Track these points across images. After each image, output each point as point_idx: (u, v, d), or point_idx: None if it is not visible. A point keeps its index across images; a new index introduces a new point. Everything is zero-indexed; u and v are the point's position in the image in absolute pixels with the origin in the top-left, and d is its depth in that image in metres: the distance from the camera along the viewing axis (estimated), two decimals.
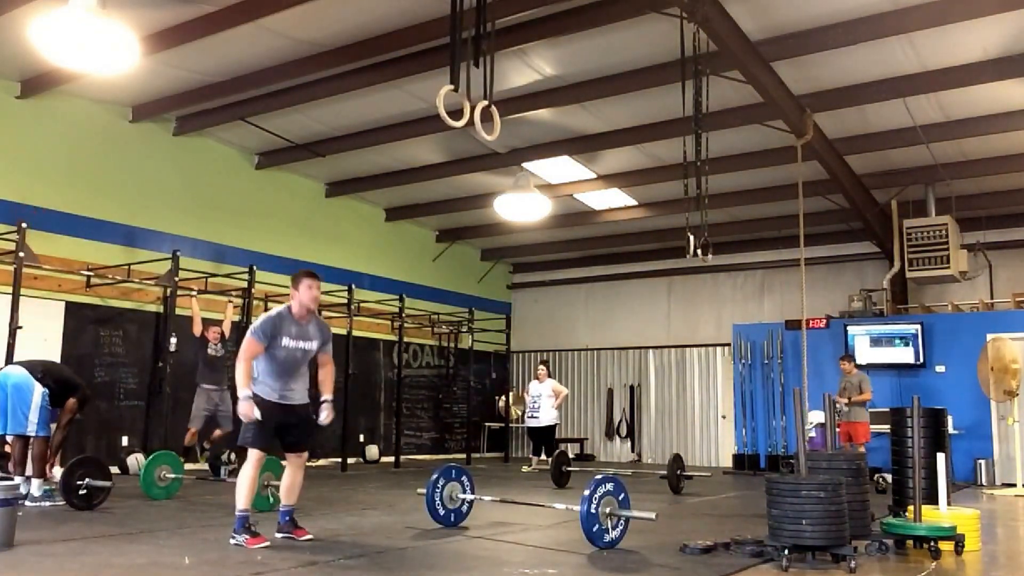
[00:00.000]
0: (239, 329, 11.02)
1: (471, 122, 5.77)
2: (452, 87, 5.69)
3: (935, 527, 4.96)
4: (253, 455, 5.04)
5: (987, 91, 8.98)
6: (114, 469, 9.39)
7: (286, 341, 5.08)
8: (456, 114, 5.76)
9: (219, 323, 10.03)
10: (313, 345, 5.22)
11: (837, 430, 10.50)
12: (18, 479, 6.60)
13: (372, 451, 13.35)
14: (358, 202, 13.77)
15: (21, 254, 8.48)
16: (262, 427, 5.01)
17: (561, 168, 11.96)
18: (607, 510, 4.98)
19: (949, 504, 5.43)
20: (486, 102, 5.89)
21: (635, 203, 13.31)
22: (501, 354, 16.27)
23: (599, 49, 8.48)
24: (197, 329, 9.85)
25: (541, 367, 12.75)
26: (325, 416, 5.25)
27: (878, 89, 9.04)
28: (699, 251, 8.33)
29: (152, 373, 10.47)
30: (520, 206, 12.18)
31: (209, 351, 9.66)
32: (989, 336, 10.73)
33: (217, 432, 9.54)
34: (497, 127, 6.03)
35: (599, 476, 5.12)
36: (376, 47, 8.45)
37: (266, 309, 11.80)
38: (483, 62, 5.93)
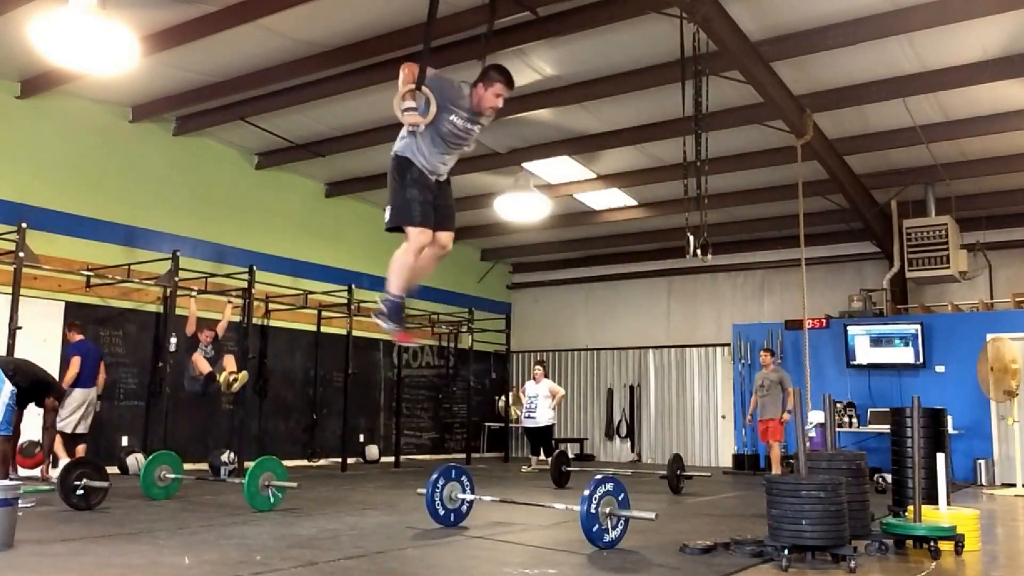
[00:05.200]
0: (239, 330, 11.08)
1: None
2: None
3: (935, 527, 4.96)
4: (411, 234, 4.39)
5: (987, 91, 8.98)
6: (114, 469, 9.42)
7: (455, 118, 4.34)
8: None
9: (213, 324, 10.03)
10: (477, 130, 4.48)
11: (748, 424, 11.09)
12: None
13: (372, 451, 13.35)
14: (358, 202, 13.76)
15: (21, 254, 8.48)
16: (413, 199, 4.25)
17: (561, 168, 11.95)
18: (607, 510, 4.98)
19: (949, 504, 5.43)
20: None
21: (635, 203, 13.30)
22: (501, 354, 16.26)
23: (599, 49, 8.48)
24: (190, 329, 9.88)
25: (538, 367, 12.73)
26: None
27: (878, 89, 9.04)
28: (699, 251, 8.32)
29: (152, 373, 10.47)
30: (520, 206, 12.19)
31: (199, 352, 9.68)
32: (989, 336, 10.73)
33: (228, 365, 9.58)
34: None
35: (599, 476, 5.11)
36: (376, 47, 8.45)
37: (266, 310, 11.94)
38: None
